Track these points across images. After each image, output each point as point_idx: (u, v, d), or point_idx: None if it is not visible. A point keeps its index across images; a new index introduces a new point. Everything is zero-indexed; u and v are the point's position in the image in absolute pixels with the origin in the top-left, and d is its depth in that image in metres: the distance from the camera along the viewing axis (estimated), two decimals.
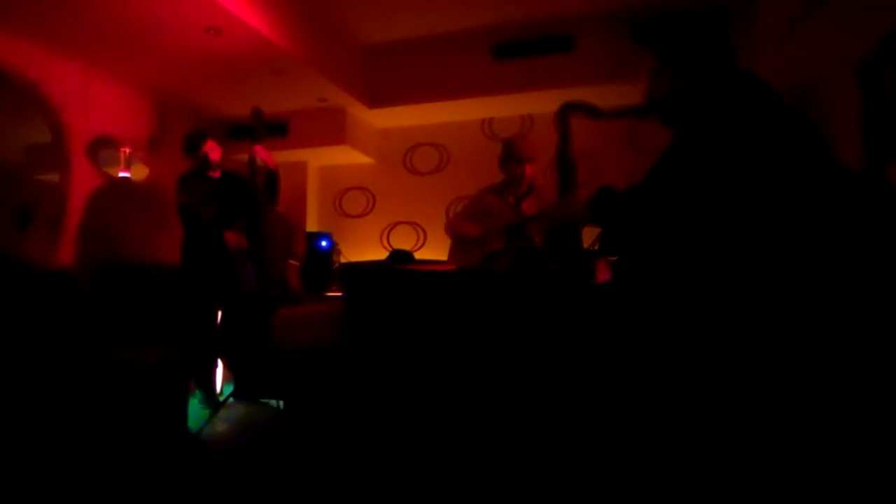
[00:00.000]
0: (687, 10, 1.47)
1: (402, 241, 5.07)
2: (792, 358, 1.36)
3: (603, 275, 2.01)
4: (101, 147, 3.95)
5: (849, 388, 1.37)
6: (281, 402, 2.89)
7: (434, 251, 4.77)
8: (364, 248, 5.13)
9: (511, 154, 2.75)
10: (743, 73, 1.44)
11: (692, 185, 1.33)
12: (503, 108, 4.59)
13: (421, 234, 5.04)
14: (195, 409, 2.96)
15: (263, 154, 3.13)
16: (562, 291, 1.72)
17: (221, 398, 3.13)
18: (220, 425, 2.82)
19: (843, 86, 2.28)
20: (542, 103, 4.28)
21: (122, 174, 4.02)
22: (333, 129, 4.72)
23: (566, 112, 1.83)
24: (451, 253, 2.96)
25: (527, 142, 2.82)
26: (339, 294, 3.37)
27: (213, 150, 3.30)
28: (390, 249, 5.02)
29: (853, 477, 1.31)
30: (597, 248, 1.60)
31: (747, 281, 1.32)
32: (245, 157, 3.20)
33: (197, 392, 3.15)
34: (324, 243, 4.68)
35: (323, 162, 5.28)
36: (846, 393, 1.36)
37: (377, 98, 4.65)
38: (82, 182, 3.81)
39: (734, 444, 1.30)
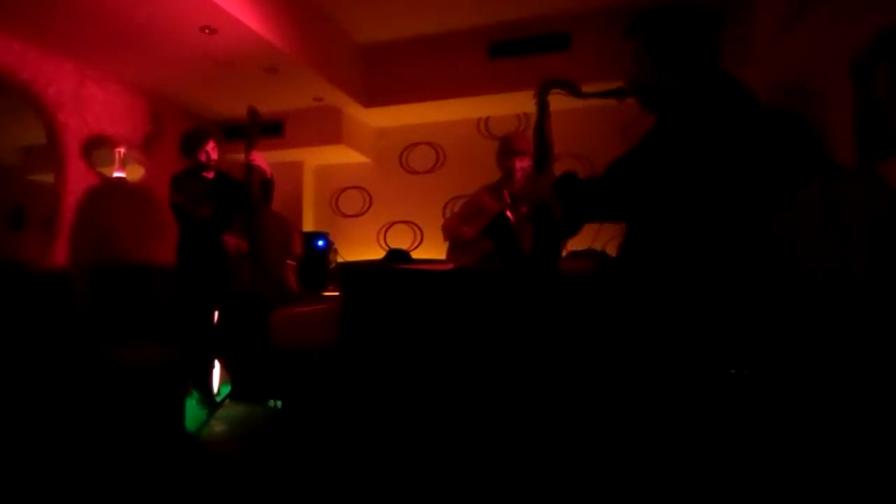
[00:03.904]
0: (682, 4, 1.47)
1: (399, 241, 5.07)
2: (781, 352, 1.36)
3: (569, 261, 2.04)
4: (96, 147, 3.93)
5: (840, 382, 1.38)
6: (278, 403, 2.89)
7: (431, 250, 4.77)
8: (361, 247, 5.12)
9: (508, 149, 2.76)
10: (723, 72, 1.44)
11: (662, 176, 1.35)
12: (499, 106, 4.59)
13: (418, 233, 5.04)
14: (192, 410, 2.96)
15: (259, 160, 3.12)
16: (559, 291, 1.73)
17: (219, 398, 3.12)
18: (218, 426, 2.81)
19: (837, 84, 2.29)
20: None
21: (117, 174, 4.00)
22: (329, 129, 4.71)
23: (547, 89, 1.83)
24: (449, 252, 2.96)
25: (524, 137, 2.82)
26: (336, 294, 3.37)
27: (213, 151, 3.28)
28: (387, 249, 5.02)
29: (844, 473, 1.32)
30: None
31: (729, 275, 1.33)
32: (240, 157, 3.19)
33: (194, 392, 3.14)
34: (320, 243, 4.68)
35: (319, 161, 5.27)
36: (837, 386, 1.37)
37: (373, 97, 4.64)
38: (77, 182, 3.79)
39: (726, 441, 1.30)
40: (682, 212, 1.34)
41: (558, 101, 1.85)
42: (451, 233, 2.95)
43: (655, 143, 1.39)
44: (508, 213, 2.62)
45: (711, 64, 1.44)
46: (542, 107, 1.87)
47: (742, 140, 1.34)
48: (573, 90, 1.90)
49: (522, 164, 2.75)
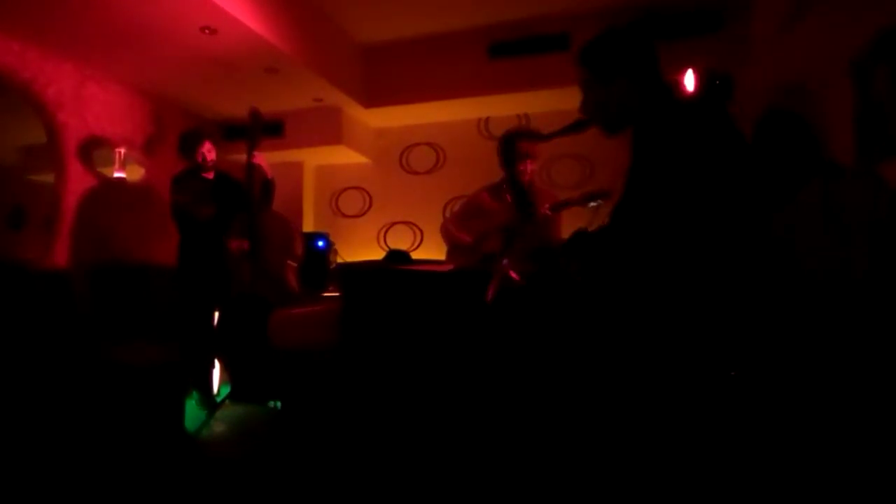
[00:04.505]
0: (614, 27, 1.54)
1: (399, 241, 5.07)
2: (781, 353, 1.36)
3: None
4: (97, 147, 3.93)
5: (840, 381, 1.38)
6: (278, 403, 2.89)
7: (431, 251, 4.77)
8: (361, 248, 5.12)
9: (513, 151, 2.74)
10: (665, 82, 1.49)
11: (664, 205, 1.35)
12: (499, 107, 4.59)
13: (418, 234, 5.04)
14: (192, 410, 2.96)
15: (261, 162, 3.13)
16: (556, 292, 1.73)
17: (218, 399, 3.12)
18: (218, 426, 2.81)
19: (836, 85, 2.29)
20: (538, 102, 4.29)
21: (117, 174, 4.00)
22: (329, 129, 4.71)
23: (511, 141, 1.86)
24: (449, 253, 2.95)
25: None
26: (336, 294, 3.37)
27: (209, 152, 3.28)
28: (387, 249, 5.02)
29: (844, 472, 1.32)
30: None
31: (728, 276, 1.33)
32: (241, 157, 3.19)
33: (194, 393, 3.14)
34: (320, 243, 4.68)
35: (319, 162, 5.27)
36: (837, 386, 1.37)
37: (373, 98, 4.64)
38: (77, 182, 3.79)
39: (727, 442, 1.30)
40: (681, 218, 1.34)
41: (557, 102, 1.85)
42: (448, 238, 2.94)
43: (646, 172, 1.40)
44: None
45: (655, 73, 1.49)
46: (509, 161, 1.90)
47: (717, 138, 1.36)
48: (535, 136, 1.94)
49: (530, 168, 2.74)
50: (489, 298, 1.57)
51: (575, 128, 1.66)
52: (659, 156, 1.36)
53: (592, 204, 2.22)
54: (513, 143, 2.70)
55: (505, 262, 1.76)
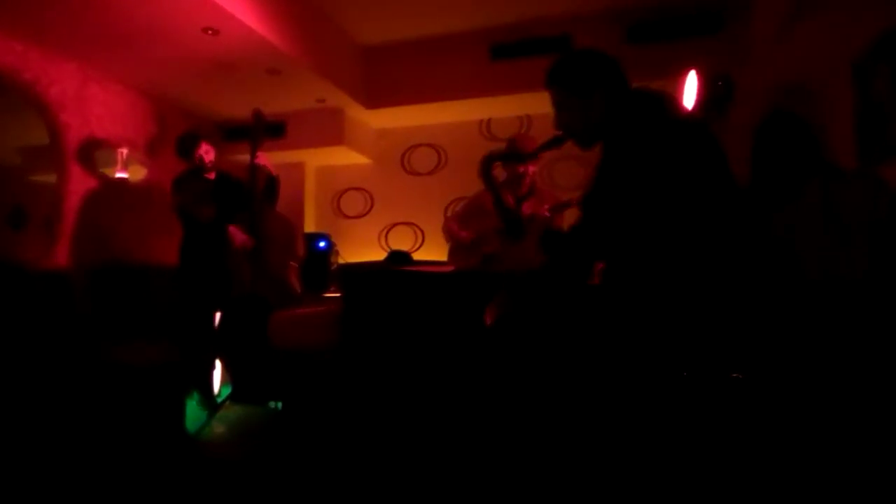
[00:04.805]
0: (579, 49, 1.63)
1: (401, 242, 5.07)
2: (782, 353, 1.36)
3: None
4: (98, 148, 3.94)
5: (841, 382, 1.37)
6: (279, 404, 2.89)
7: (432, 252, 4.77)
8: (362, 249, 5.12)
9: (515, 154, 2.74)
10: (635, 89, 1.56)
11: (639, 196, 1.38)
12: (501, 108, 4.60)
13: (419, 234, 5.05)
14: (192, 411, 2.96)
15: (265, 161, 3.13)
16: (557, 293, 1.73)
17: (219, 399, 3.12)
18: (218, 427, 2.81)
19: (837, 86, 2.29)
20: (539, 104, 4.26)
21: (119, 175, 4.01)
22: (331, 130, 4.72)
23: (489, 164, 1.91)
24: (450, 254, 2.96)
25: (531, 141, 2.80)
26: (337, 295, 3.37)
27: (207, 153, 3.28)
28: (389, 250, 5.02)
29: (844, 472, 1.32)
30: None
31: (728, 277, 1.33)
32: (244, 158, 3.20)
33: (194, 393, 3.14)
34: (322, 244, 4.68)
35: (321, 163, 5.28)
36: (838, 386, 1.37)
37: (375, 99, 4.65)
38: (79, 183, 3.80)
39: (728, 444, 1.30)
40: (667, 223, 1.36)
41: None
42: (448, 235, 2.95)
43: (614, 171, 1.44)
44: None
45: (622, 85, 1.55)
46: (490, 183, 1.93)
47: (688, 140, 1.39)
48: (515, 158, 2.00)
49: (532, 170, 2.74)
50: (488, 323, 1.60)
51: (552, 144, 1.73)
52: (627, 160, 1.40)
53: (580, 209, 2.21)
54: (490, 168, 2.52)
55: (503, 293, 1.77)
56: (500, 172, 2.85)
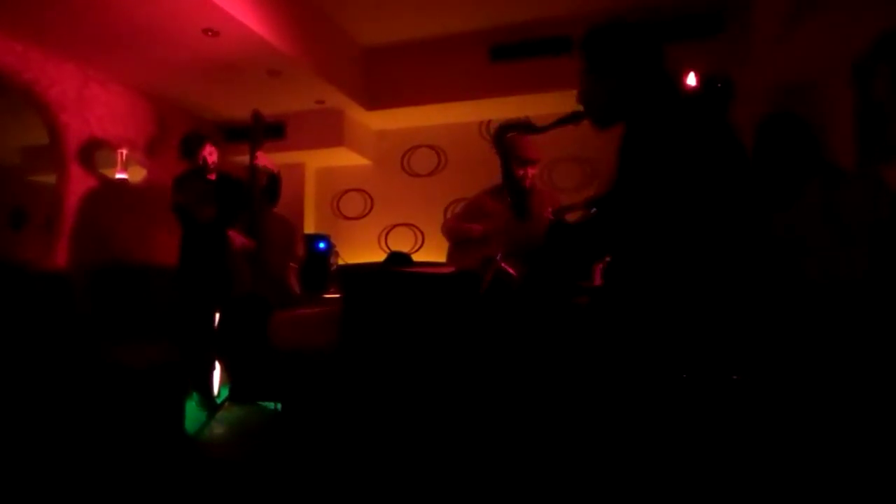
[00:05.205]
0: (615, 21, 1.52)
1: (400, 244, 5.07)
2: (782, 354, 1.36)
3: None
4: (98, 148, 3.94)
5: (841, 382, 1.37)
6: (278, 405, 2.88)
7: (432, 253, 4.77)
8: (362, 250, 5.12)
9: (515, 155, 2.74)
10: (666, 75, 1.46)
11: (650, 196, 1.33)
12: (501, 109, 4.59)
13: (419, 236, 5.04)
14: (192, 411, 2.95)
15: (265, 160, 3.13)
16: (557, 296, 1.73)
17: (219, 400, 3.12)
18: (218, 428, 2.81)
19: (837, 87, 2.30)
20: (540, 105, 4.29)
21: (119, 176, 4.01)
22: (331, 131, 4.72)
23: (502, 134, 1.86)
24: (450, 255, 2.96)
25: (531, 143, 2.80)
26: (337, 296, 3.37)
27: (211, 154, 3.30)
28: (388, 251, 5.02)
29: (844, 472, 1.31)
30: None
31: (728, 278, 1.32)
32: (244, 159, 3.20)
33: (194, 394, 3.14)
34: (321, 245, 4.68)
35: (320, 164, 5.28)
36: (838, 386, 1.37)
37: (375, 100, 4.65)
38: (79, 183, 3.80)
39: (728, 446, 1.30)
40: (677, 219, 1.34)
41: (559, 105, 1.86)
42: (452, 232, 2.93)
43: (634, 165, 1.38)
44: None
45: (655, 70, 1.46)
46: (504, 152, 1.89)
47: (709, 137, 1.34)
48: (529, 129, 1.94)
49: (532, 172, 2.74)
50: (483, 290, 1.56)
51: (570, 119, 1.64)
52: (646, 152, 1.34)
53: (595, 210, 2.20)
54: (503, 137, 2.63)
55: (499, 256, 1.74)
56: (495, 176, 2.84)
